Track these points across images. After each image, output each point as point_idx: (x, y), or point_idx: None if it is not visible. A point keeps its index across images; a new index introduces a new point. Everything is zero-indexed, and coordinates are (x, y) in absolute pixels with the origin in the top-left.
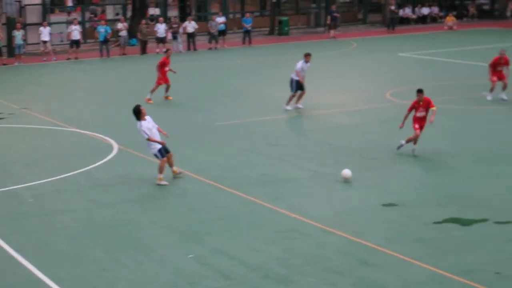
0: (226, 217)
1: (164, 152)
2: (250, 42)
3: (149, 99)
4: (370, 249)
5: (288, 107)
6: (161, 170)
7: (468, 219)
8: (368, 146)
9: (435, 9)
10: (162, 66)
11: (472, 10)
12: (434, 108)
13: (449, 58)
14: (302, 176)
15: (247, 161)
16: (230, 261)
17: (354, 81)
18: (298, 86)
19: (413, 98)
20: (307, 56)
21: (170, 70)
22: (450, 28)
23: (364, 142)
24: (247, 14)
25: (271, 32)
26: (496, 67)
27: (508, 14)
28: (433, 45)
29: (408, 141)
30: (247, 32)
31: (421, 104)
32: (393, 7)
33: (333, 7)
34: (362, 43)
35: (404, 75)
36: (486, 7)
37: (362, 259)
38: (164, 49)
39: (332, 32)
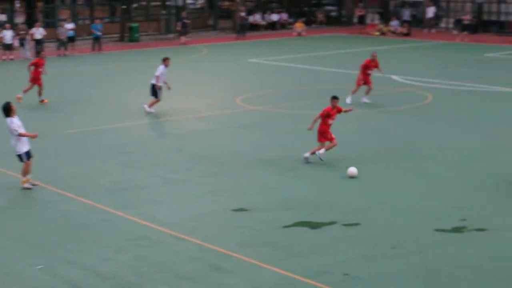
0: (75, 226)
1: (27, 156)
2: (100, 49)
3: (20, 98)
4: (222, 255)
5: (150, 110)
6: (25, 172)
7: (318, 222)
8: (219, 152)
9: (284, 16)
10: (36, 66)
11: (320, 16)
12: (342, 110)
13: (298, 64)
14: (153, 183)
15: (98, 169)
16: (81, 271)
17: (205, 87)
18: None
19: (264, 103)
20: (166, 60)
21: (43, 71)
22: (299, 34)
23: (215, 148)
24: (97, 21)
25: (121, 39)
26: (367, 69)
27: (355, 20)
28: (283, 51)
29: (312, 153)
30: (97, 39)
31: (334, 110)
32: (243, 14)
33: (184, 14)
34: (213, 49)
35: (254, 81)
36: (334, 14)
37: (214, 265)
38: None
39: (182, 39)
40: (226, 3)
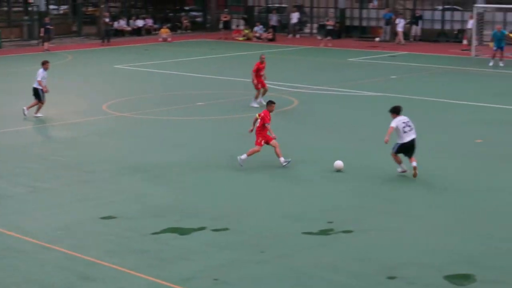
0: None
1: None
2: None
3: None
4: (90, 263)
5: (39, 114)
6: None
7: (187, 228)
8: (85, 159)
9: (150, 21)
10: None
11: (185, 22)
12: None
13: (164, 70)
14: (18, 192)
15: None
16: None
17: (70, 94)
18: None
19: (130, 109)
20: (45, 64)
21: None
22: (165, 40)
23: (81, 155)
24: None
25: None
26: (259, 72)
27: (221, 26)
28: (148, 57)
29: (249, 154)
30: None
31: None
32: (107, 20)
33: (47, 19)
34: (78, 56)
35: (120, 87)
36: (199, 20)
37: (81, 274)
38: None
39: (46, 45)
40: (90, 9)
